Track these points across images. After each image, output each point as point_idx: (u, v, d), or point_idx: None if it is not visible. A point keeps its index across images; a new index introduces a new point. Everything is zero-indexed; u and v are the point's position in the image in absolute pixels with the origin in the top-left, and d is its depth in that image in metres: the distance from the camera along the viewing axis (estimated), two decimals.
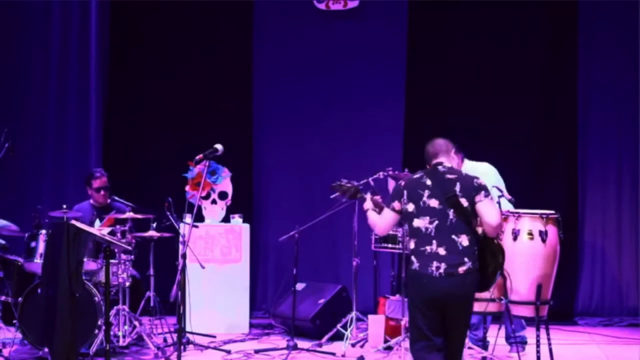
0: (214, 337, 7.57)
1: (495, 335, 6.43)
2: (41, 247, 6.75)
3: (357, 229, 7.56)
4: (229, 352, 7.10)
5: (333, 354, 7.00)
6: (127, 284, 7.00)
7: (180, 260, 5.90)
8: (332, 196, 7.47)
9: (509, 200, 6.03)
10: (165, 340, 7.22)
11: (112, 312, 6.74)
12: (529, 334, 6.75)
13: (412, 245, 4.81)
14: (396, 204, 4.88)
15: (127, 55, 9.25)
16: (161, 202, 7.20)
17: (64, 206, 7.05)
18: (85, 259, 6.53)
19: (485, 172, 6.56)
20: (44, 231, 6.82)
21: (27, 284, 6.82)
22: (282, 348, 7.09)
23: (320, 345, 7.26)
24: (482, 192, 4.80)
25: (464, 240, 4.73)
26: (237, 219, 8.31)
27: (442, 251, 4.71)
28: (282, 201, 9.26)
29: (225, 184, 8.30)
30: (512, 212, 5.98)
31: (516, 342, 6.68)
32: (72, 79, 9.24)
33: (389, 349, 6.95)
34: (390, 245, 7.09)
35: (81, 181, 8.14)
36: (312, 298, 7.86)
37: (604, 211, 8.95)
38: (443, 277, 4.68)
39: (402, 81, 9.08)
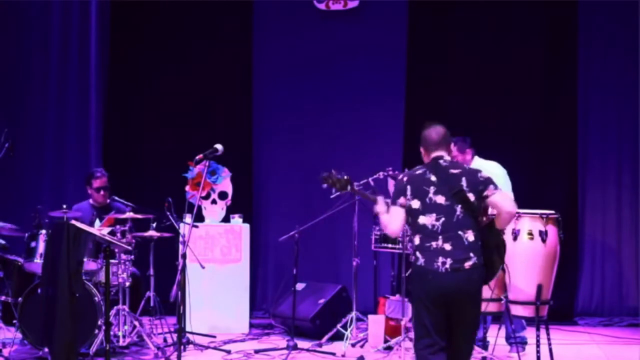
0: (214, 337, 7.57)
1: (495, 335, 6.43)
2: (41, 247, 6.75)
3: (357, 229, 7.56)
4: (229, 352, 7.10)
5: (333, 354, 7.00)
6: (127, 284, 7.00)
7: (180, 260, 5.89)
8: (332, 196, 7.47)
9: None
10: (165, 340, 7.22)
11: (112, 312, 6.73)
12: (529, 334, 6.75)
13: (417, 241, 4.77)
14: (402, 200, 4.80)
15: (127, 55, 9.25)
16: (161, 202, 7.20)
17: (64, 206, 7.05)
18: (85, 259, 6.53)
19: (494, 173, 6.57)
20: (44, 231, 6.82)
21: (27, 284, 6.82)
22: (282, 348, 7.09)
23: (320, 345, 7.27)
24: (491, 185, 4.79)
25: (469, 236, 4.71)
26: (237, 219, 8.31)
27: (447, 246, 4.67)
28: (282, 201, 9.26)
29: (225, 184, 8.30)
30: None
31: (516, 342, 6.68)
32: (72, 79, 9.25)
33: (389, 349, 6.95)
34: (390, 245, 7.09)
35: (81, 181, 8.14)
36: (312, 298, 7.86)
37: (604, 211, 8.95)
38: (449, 272, 4.65)
39: (402, 81, 9.08)
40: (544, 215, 5.86)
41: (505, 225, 4.92)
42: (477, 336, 6.71)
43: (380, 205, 4.97)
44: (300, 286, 7.95)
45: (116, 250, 6.73)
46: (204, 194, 8.18)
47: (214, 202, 8.31)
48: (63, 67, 9.24)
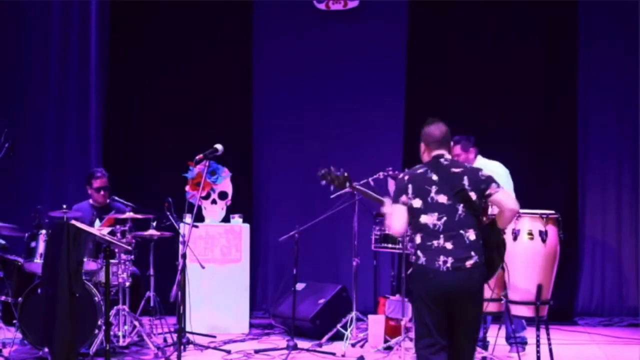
0: (214, 337, 7.57)
1: (495, 335, 6.43)
2: (41, 247, 6.75)
3: (357, 229, 7.56)
4: (229, 352, 7.10)
5: (333, 354, 7.00)
6: (127, 284, 7.00)
7: (180, 260, 5.89)
8: (332, 196, 7.51)
9: None
10: (165, 340, 7.22)
11: (112, 312, 6.74)
12: (529, 334, 6.75)
13: (418, 240, 4.76)
14: (404, 198, 4.78)
15: (127, 55, 9.25)
16: (161, 202, 7.20)
17: (64, 206, 7.05)
18: (85, 259, 6.54)
19: (496, 172, 6.57)
20: (44, 231, 6.82)
21: (27, 284, 6.82)
22: (282, 348, 7.09)
23: (320, 345, 7.27)
24: (493, 184, 4.79)
25: (471, 235, 4.70)
26: (237, 219, 8.31)
27: (449, 245, 4.67)
28: (282, 201, 9.26)
29: (225, 184, 8.30)
30: None
31: (516, 342, 6.68)
32: (72, 79, 9.25)
33: (389, 349, 6.95)
34: (390, 245, 7.09)
35: (81, 181, 8.15)
36: (312, 298, 7.86)
37: (604, 211, 8.95)
38: (450, 271, 4.64)
39: (402, 81, 9.08)
40: (544, 215, 5.86)
41: (508, 223, 4.92)
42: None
43: (387, 207, 4.95)
44: (300, 286, 7.95)
45: (116, 250, 6.73)
46: (204, 194, 8.18)
47: (214, 202, 8.31)
48: (63, 67, 9.24)
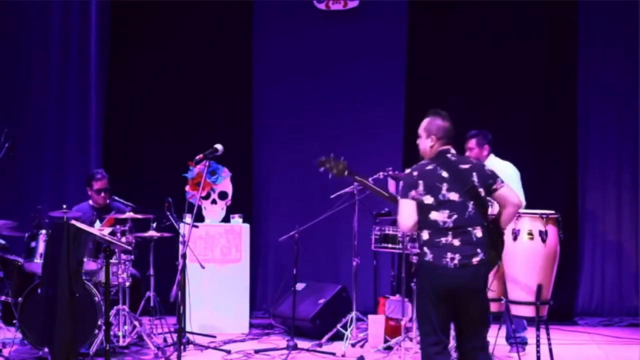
0: (214, 337, 7.56)
1: (495, 335, 6.43)
2: (41, 247, 6.75)
3: (357, 229, 7.56)
4: (229, 352, 7.10)
5: (333, 354, 7.00)
6: (127, 284, 7.00)
7: (180, 260, 5.90)
8: (332, 196, 7.52)
9: None
10: (165, 340, 7.22)
11: (112, 312, 6.74)
12: (529, 334, 6.75)
13: (425, 236, 4.73)
14: (414, 193, 4.75)
15: (127, 55, 9.25)
16: (161, 202, 7.20)
17: (64, 206, 7.05)
18: (85, 259, 6.53)
19: (507, 173, 6.58)
20: (44, 231, 6.82)
21: (27, 284, 6.82)
22: (282, 348, 7.09)
23: (320, 345, 7.27)
24: (498, 179, 4.82)
25: (478, 232, 4.71)
26: (237, 219, 8.31)
27: (456, 242, 4.67)
28: (282, 201, 9.26)
29: (225, 184, 8.30)
30: None
31: (516, 342, 6.68)
32: (72, 79, 9.25)
33: (389, 349, 6.95)
34: (390, 245, 7.08)
35: (81, 181, 8.15)
36: (312, 298, 7.86)
37: (604, 211, 8.95)
38: (458, 268, 4.64)
39: (402, 81, 9.08)
40: (544, 215, 5.86)
41: (510, 220, 4.94)
42: None
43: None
44: (300, 286, 7.95)
45: (116, 250, 6.73)
46: (204, 194, 8.18)
47: (214, 202, 8.31)
48: (63, 67, 9.24)
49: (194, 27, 9.27)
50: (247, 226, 8.33)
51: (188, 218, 7.29)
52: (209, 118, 9.14)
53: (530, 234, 5.82)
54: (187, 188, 8.08)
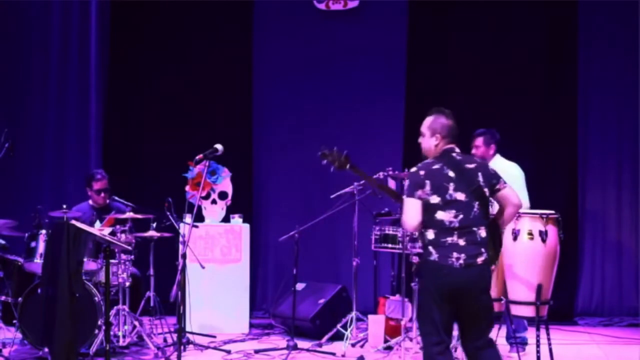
0: (214, 337, 7.56)
1: (495, 335, 6.42)
2: (41, 247, 6.75)
3: (357, 229, 7.56)
4: (229, 352, 7.10)
5: (333, 354, 7.00)
6: (127, 284, 7.00)
7: (180, 260, 5.89)
8: (332, 196, 7.52)
9: None
10: (165, 340, 7.22)
11: (112, 312, 6.74)
12: (529, 334, 6.75)
13: (431, 235, 4.71)
14: (420, 193, 4.71)
15: (127, 55, 9.25)
16: (161, 202, 7.20)
17: (64, 206, 7.05)
18: (85, 259, 6.53)
19: (511, 174, 6.58)
20: (44, 231, 6.82)
21: (27, 284, 6.81)
22: (282, 348, 7.09)
23: (320, 345, 7.26)
24: (501, 179, 4.83)
25: (482, 232, 4.72)
26: (237, 219, 8.31)
27: (462, 242, 4.66)
28: (282, 201, 9.26)
29: (225, 184, 8.30)
30: None
31: (516, 342, 6.68)
32: (72, 79, 9.25)
33: (389, 349, 6.95)
34: (390, 245, 7.08)
35: (81, 181, 8.14)
36: (312, 298, 7.86)
37: (604, 211, 8.95)
38: (463, 267, 4.64)
39: (402, 81, 9.08)
40: (544, 215, 5.86)
41: (510, 220, 4.96)
42: None
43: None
44: (300, 286, 7.95)
45: (116, 250, 6.73)
46: (204, 194, 8.18)
47: (214, 202, 8.31)
48: (63, 67, 9.25)
49: (194, 27, 9.27)
50: (247, 226, 8.33)
51: (188, 218, 7.29)
52: (209, 118, 9.14)
53: (530, 234, 5.82)
54: (187, 188, 8.08)
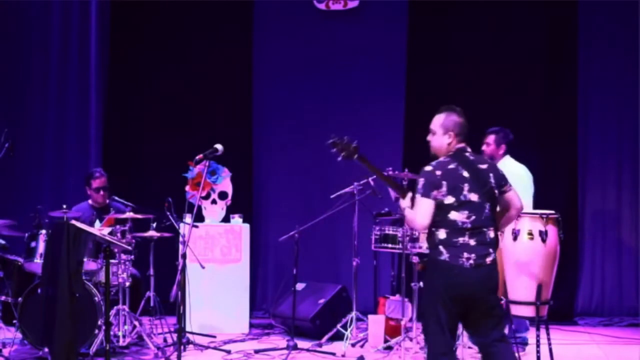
0: (214, 337, 7.56)
1: None
2: (41, 247, 6.75)
3: (357, 229, 7.56)
4: (229, 352, 7.10)
5: (333, 354, 7.00)
6: (127, 284, 7.00)
7: (180, 260, 5.89)
8: (332, 196, 7.52)
9: None
10: (165, 340, 7.22)
11: (112, 312, 6.74)
12: (529, 334, 6.75)
13: (442, 235, 4.68)
14: (436, 193, 4.67)
15: (127, 55, 9.25)
16: (161, 202, 7.19)
17: (64, 206, 7.05)
18: (85, 259, 6.53)
19: (519, 175, 6.57)
20: (44, 231, 6.82)
21: (27, 284, 6.82)
22: (282, 348, 7.09)
23: (320, 345, 7.26)
24: (508, 181, 4.84)
25: (491, 232, 4.73)
26: (237, 219, 8.31)
27: (472, 242, 4.66)
28: (282, 201, 9.26)
29: (225, 184, 8.30)
30: None
31: (516, 342, 6.67)
32: (72, 79, 9.25)
33: (389, 349, 6.95)
34: (390, 245, 7.08)
35: (81, 181, 8.14)
36: (312, 298, 7.86)
37: (604, 211, 8.95)
38: (473, 267, 4.63)
39: (402, 81, 9.08)
40: (544, 215, 5.86)
41: (510, 222, 4.99)
42: None
43: (408, 200, 4.90)
44: (300, 286, 7.94)
45: (116, 250, 6.73)
46: (204, 194, 8.18)
47: (214, 202, 8.30)
48: (63, 67, 9.24)
49: (194, 27, 9.26)
50: (247, 226, 8.33)
51: (188, 218, 7.29)
52: (209, 118, 9.13)
53: (530, 234, 5.82)
54: (187, 188, 8.08)
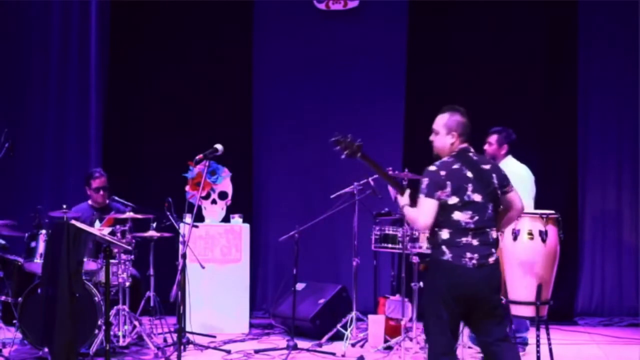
0: (214, 337, 7.56)
1: None
2: (41, 247, 6.75)
3: (357, 229, 7.55)
4: (229, 352, 7.10)
5: (333, 354, 7.00)
6: (127, 284, 7.00)
7: (180, 260, 5.89)
8: (332, 196, 7.52)
9: None
10: (165, 340, 7.22)
11: (112, 312, 6.74)
12: (529, 334, 6.75)
13: (445, 235, 4.66)
14: (440, 194, 4.65)
15: (127, 55, 9.25)
16: (161, 202, 7.19)
17: (64, 206, 7.05)
18: (85, 259, 6.53)
19: (520, 175, 6.57)
20: (44, 231, 6.82)
21: (27, 284, 6.81)
22: (282, 348, 7.09)
23: (320, 345, 7.27)
24: (510, 182, 4.84)
25: (494, 233, 4.73)
26: (237, 219, 8.31)
27: (475, 242, 4.65)
28: (282, 201, 9.26)
29: (225, 184, 8.30)
30: None
31: (516, 342, 6.67)
32: (72, 79, 9.25)
33: (389, 349, 6.95)
34: (390, 245, 7.08)
35: (81, 181, 8.14)
36: (312, 298, 7.86)
37: (603, 211, 8.96)
38: (476, 267, 4.62)
39: (402, 81, 9.08)
40: (544, 215, 5.86)
41: (510, 223, 5.00)
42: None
43: (406, 197, 4.88)
44: (300, 286, 7.94)
45: (116, 250, 6.73)
46: (204, 194, 8.18)
47: (214, 202, 8.31)
48: (63, 67, 9.25)
49: (194, 27, 9.27)
50: (247, 226, 8.33)
51: (188, 218, 7.29)
52: (209, 118, 9.13)
53: (530, 234, 5.82)
54: (187, 188, 8.08)
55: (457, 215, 4.66)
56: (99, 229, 6.95)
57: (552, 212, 5.95)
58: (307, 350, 7.16)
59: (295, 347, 7.04)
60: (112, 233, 6.90)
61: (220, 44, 9.27)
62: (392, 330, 7.14)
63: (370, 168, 5.10)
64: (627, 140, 8.88)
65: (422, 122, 8.65)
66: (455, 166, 4.72)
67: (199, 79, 9.22)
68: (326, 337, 7.38)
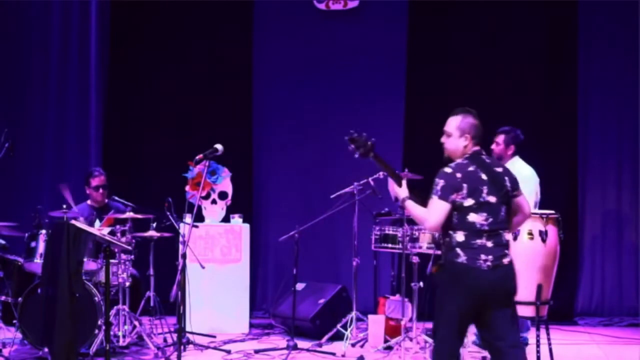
0: (214, 337, 7.57)
1: None
2: (41, 247, 6.75)
3: (357, 229, 7.55)
4: (229, 352, 7.10)
5: (333, 354, 7.00)
6: (127, 284, 7.00)
7: (180, 260, 5.89)
8: (332, 196, 7.52)
9: None
10: (165, 340, 7.22)
11: (112, 312, 6.73)
12: (529, 334, 6.75)
13: (461, 237, 4.62)
14: (455, 196, 4.61)
15: (127, 55, 9.25)
16: (161, 202, 7.19)
17: (64, 206, 7.05)
18: (85, 259, 6.53)
19: (525, 176, 6.56)
20: (44, 231, 6.82)
21: (27, 284, 6.81)
22: (282, 348, 7.09)
23: (320, 345, 7.26)
24: (519, 186, 4.83)
25: (507, 235, 4.72)
26: (237, 219, 8.31)
27: (489, 244, 4.62)
28: (282, 201, 9.26)
29: (225, 184, 8.30)
30: None
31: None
32: (72, 79, 9.25)
33: (389, 349, 6.95)
34: (390, 245, 7.08)
35: (81, 181, 8.14)
36: (312, 298, 7.86)
37: (604, 211, 8.96)
38: (491, 269, 4.60)
39: (402, 81, 9.08)
40: (544, 215, 5.86)
41: (517, 227, 5.00)
42: (477, 336, 6.74)
43: (404, 190, 4.84)
44: (300, 286, 7.94)
45: (116, 250, 6.73)
46: (204, 194, 8.18)
47: (214, 202, 8.31)
48: (63, 67, 9.25)
49: (194, 27, 9.27)
50: (247, 226, 8.33)
51: (188, 218, 7.29)
52: (209, 118, 9.13)
53: (530, 234, 5.82)
54: (187, 188, 8.08)
55: (472, 217, 4.63)
56: (99, 229, 6.95)
57: (552, 212, 5.95)
58: (307, 350, 7.16)
59: (295, 347, 7.04)
60: (112, 233, 6.90)
61: (220, 44, 9.27)
62: (392, 330, 7.14)
63: (383, 169, 5.06)
64: (627, 140, 8.88)
65: (422, 122, 8.67)
66: (471, 168, 4.69)
67: (199, 79, 9.22)
68: (326, 337, 7.38)
